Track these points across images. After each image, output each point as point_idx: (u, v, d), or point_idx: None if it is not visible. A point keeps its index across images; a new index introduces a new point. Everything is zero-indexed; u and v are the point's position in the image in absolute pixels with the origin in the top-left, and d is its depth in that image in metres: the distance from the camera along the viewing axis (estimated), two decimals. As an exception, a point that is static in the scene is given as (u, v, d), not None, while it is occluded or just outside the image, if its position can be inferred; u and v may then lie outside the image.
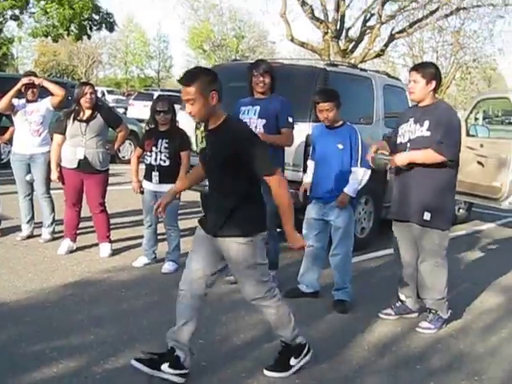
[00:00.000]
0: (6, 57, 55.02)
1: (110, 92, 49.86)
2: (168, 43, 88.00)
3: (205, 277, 4.40)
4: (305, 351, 4.70)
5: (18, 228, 8.20)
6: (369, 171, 6.17)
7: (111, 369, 4.54)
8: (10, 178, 8.42)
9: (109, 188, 7.56)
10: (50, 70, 66.29)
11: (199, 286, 4.40)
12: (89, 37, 35.90)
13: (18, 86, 7.64)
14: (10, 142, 8.33)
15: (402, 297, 6.09)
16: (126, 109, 35.03)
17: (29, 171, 7.90)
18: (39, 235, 8.03)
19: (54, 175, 7.43)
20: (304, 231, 6.37)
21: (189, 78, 4.07)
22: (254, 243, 4.25)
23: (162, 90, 41.31)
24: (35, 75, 7.97)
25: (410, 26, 24.65)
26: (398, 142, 5.83)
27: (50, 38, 34.56)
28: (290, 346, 4.65)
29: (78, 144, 7.17)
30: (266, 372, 4.62)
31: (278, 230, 6.81)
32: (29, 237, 8.03)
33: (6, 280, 6.38)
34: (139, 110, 33.23)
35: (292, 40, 24.55)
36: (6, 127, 8.31)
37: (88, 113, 7.22)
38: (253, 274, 4.33)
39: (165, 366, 4.38)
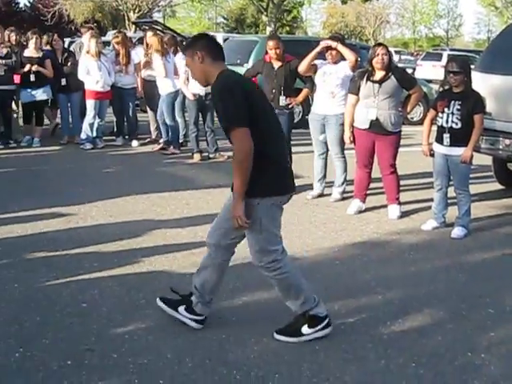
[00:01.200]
0: (295, 20, 56.88)
1: (397, 52, 49.56)
2: (458, 1, 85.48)
3: None
4: (323, 324, 4.41)
5: (309, 187, 8.45)
6: None
7: (397, 331, 4.55)
8: (304, 138, 8.69)
9: (399, 149, 7.51)
10: (338, 32, 67.31)
11: None
12: (377, -3, 35.83)
13: (318, 48, 7.79)
14: (302, 103, 8.53)
15: None
16: (413, 69, 34.61)
17: (323, 131, 8.07)
18: (329, 194, 8.22)
19: (347, 136, 7.54)
20: None
21: (183, 48, 4.28)
22: (256, 207, 4.10)
23: (451, 50, 40.28)
24: (340, 38, 8.06)
25: None
26: None
27: None
28: (304, 315, 4.42)
29: (370, 105, 7.19)
30: (275, 335, 4.41)
31: None
32: (319, 195, 8.25)
33: (297, 237, 6.62)
34: (427, 71, 32.76)
35: None
36: (299, 89, 8.57)
37: (381, 74, 7.19)
38: (256, 240, 4.20)
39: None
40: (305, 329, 4.39)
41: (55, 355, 4.09)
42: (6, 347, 4.19)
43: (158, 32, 11.95)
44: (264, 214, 4.14)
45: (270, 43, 8.32)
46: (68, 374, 3.88)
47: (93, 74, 11.10)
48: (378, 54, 7.14)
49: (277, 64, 8.33)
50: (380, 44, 7.50)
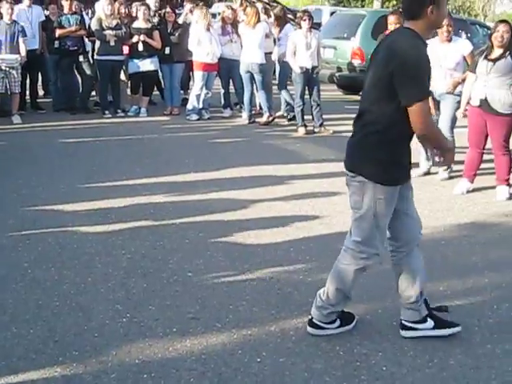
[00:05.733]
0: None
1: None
2: None
3: None
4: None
5: (415, 165, 8.18)
6: None
7: (504, 315, 4.43)
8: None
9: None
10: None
11: None
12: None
13: None
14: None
15: None
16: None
17: (437, 109, 7.81)
18: (436, 173, 8.04)
19: (460, 112, 7.42)
20: None
21: None
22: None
23: None
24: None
25: None
26: None
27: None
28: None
29: (481, 83, 6.98)
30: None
31: None
32: (425, 174, 8.08)
33: (426, 216, 6.32)
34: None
35: None
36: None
37: (498, 52, 6.92)
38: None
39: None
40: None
41: (161, 322, 4.18)
42: (114, 313, 4.30)
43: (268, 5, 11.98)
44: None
45: (391, 18, 8.27)
46: (173, 341, 3.95)
47: (204, 46, 11.17)
48: (498, 31, 6.90)
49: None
50: (504, 21, 7.23)
